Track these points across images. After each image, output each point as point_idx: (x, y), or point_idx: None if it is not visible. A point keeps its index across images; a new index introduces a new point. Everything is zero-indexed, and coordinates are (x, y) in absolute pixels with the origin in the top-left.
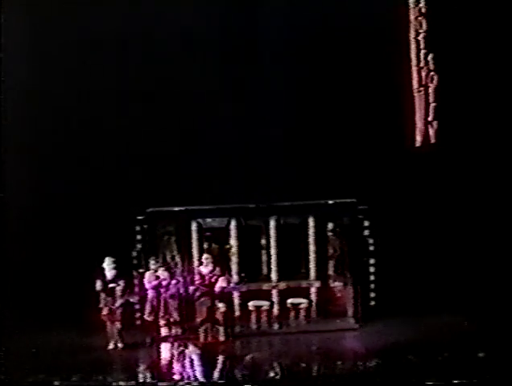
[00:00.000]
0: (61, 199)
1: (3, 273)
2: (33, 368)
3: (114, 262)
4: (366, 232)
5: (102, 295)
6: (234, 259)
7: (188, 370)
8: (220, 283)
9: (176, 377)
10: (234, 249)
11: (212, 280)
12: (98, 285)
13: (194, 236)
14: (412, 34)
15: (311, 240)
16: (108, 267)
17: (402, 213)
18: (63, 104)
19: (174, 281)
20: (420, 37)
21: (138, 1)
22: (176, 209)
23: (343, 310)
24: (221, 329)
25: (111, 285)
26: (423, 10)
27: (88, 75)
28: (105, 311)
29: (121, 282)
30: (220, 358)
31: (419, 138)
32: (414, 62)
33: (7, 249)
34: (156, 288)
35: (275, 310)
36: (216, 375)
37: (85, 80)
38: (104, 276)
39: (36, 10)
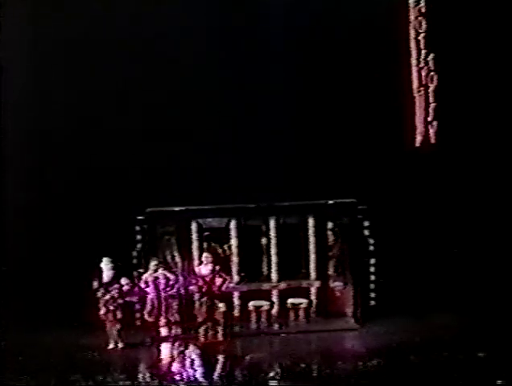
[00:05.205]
0: (61, 199)
1: (3, 273)
2: (32, 368)
3: (112, 262)
4: (366, 232)
5: (101, 295)
6: (234, 259)
7: (188, 370)
8: (220, 283)
9: (176, 377)
10: (233, 248)
11: (212, 279)
12: (96, 285)
13: (194, 236)
14: (412, 34)
15: (311, 240)
16: (106, 267)
17: (402, 213)
18: (62, 104)
19: (174, 281)
20: (420, 37)
21: (139, 1)
22: (176, 209)
23: (343, 310)
24: (221, 329)
25: (109, 285)
26: (423, 10)
27: (88, 75)
28: (103, 311)
29: (121, 282)
30: (220, 358)
31: (418, 138)
32: (414, 62)
33: (7, 249)
34: (156, 288)
35: (275, 310)
36: (215, 375)
37: (85, 80)
38: (102, 276)
39: (36, 10)
